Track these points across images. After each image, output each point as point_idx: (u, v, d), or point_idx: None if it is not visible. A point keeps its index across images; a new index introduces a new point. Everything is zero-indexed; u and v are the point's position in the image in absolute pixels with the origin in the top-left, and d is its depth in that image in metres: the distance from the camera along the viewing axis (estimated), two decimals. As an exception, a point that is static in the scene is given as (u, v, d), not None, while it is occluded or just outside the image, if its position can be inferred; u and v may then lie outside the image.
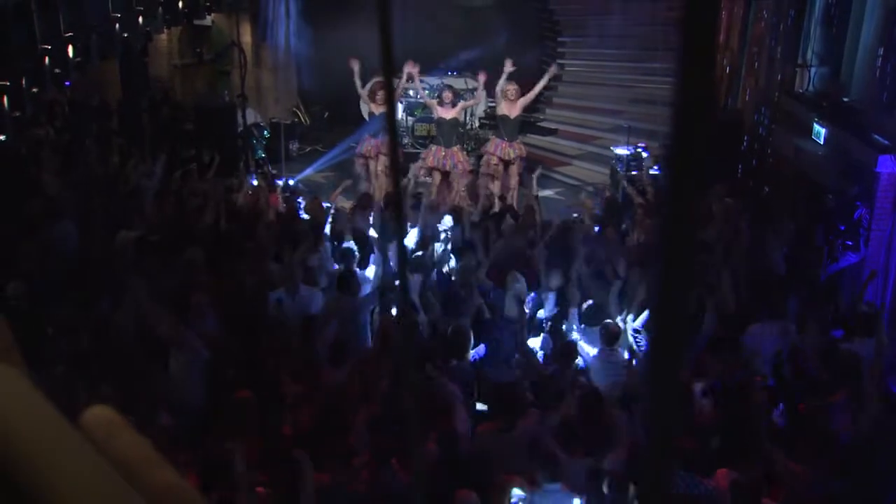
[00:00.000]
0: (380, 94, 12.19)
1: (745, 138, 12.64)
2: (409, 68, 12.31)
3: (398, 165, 0.63)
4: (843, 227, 9.13)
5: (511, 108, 12.23)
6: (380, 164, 12.46)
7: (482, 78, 12.63)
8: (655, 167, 11.58)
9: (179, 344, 5.98)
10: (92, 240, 7.74)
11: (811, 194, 9.89)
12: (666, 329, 0.48)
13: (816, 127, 10.10)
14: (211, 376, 6.00)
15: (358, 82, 12.44)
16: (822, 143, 9.99)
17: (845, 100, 10.23)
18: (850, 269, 8.98)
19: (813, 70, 11.12)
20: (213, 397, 5.83)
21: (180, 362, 5.98)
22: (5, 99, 6.86)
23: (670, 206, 0.46)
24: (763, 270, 8.01)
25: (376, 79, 12.35)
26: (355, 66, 12.23)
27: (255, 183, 11.62)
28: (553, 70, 12.54)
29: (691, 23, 0.43)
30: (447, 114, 12.43)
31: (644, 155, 12.44)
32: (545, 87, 12.99)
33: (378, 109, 12.16)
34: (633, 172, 12.02)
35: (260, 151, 14.44)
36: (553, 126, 16.45)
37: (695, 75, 0.44)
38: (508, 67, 12.05)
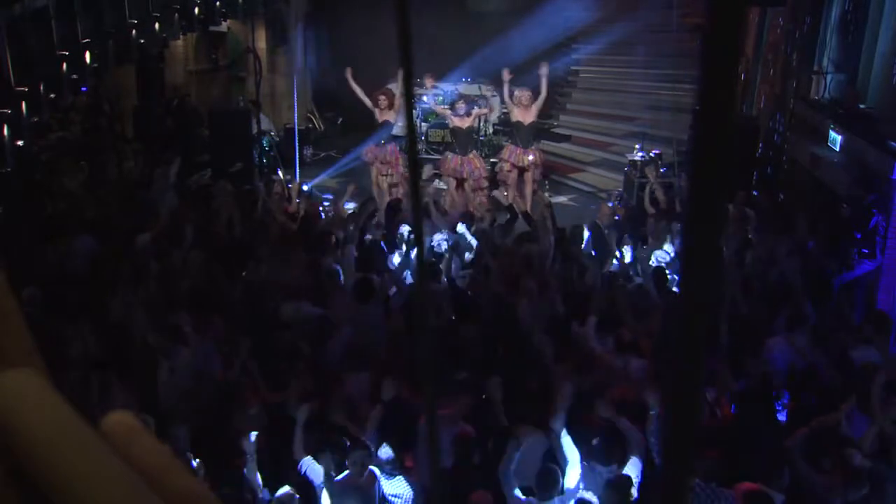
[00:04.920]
0: (381, 100, 12.07)
1: (761, 145, 12.58)
2: (429, 82, 12.27)
3: (418, 174, 0.64)
4: (858, 235, 9.06)
5: (525, 115, 12.17)
6: (377, 171, 12.39)
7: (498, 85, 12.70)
8: (666, 172, 11.54)
9: (165, 353, 5.98)
10: (109, 243, 7.78)
11: (826, 202, 9.82)
12: (688, 337, 0.47)
13: (832, 134, 10.04)
14: (214, 383, 6.00)
15: (356, 87, 12.18)
16: (837, 150, 9.92)
17: (861, 107, 10.16)
18: (865, 276, 8.91)
19: (829, 77, 11.06)
20: (221, 403, 5.82)
21: (171, 368, 5.97)
22: (24, 105, 6.91)
23: (693, 214, 0.45)
24: (778, 280, 7.95)
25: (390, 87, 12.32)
26: (348, 74, 12.17)
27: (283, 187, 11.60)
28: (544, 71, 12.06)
29: (715, 29, 0.43)
30: (463, 123, 12.37)
31: (659, 162, 12.40)
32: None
33: (382, 116, 12.08)
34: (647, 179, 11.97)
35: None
36: (567, 132, 16.43)
37: (718, 82, 0.44)
38: (506, 77, 12.03)
